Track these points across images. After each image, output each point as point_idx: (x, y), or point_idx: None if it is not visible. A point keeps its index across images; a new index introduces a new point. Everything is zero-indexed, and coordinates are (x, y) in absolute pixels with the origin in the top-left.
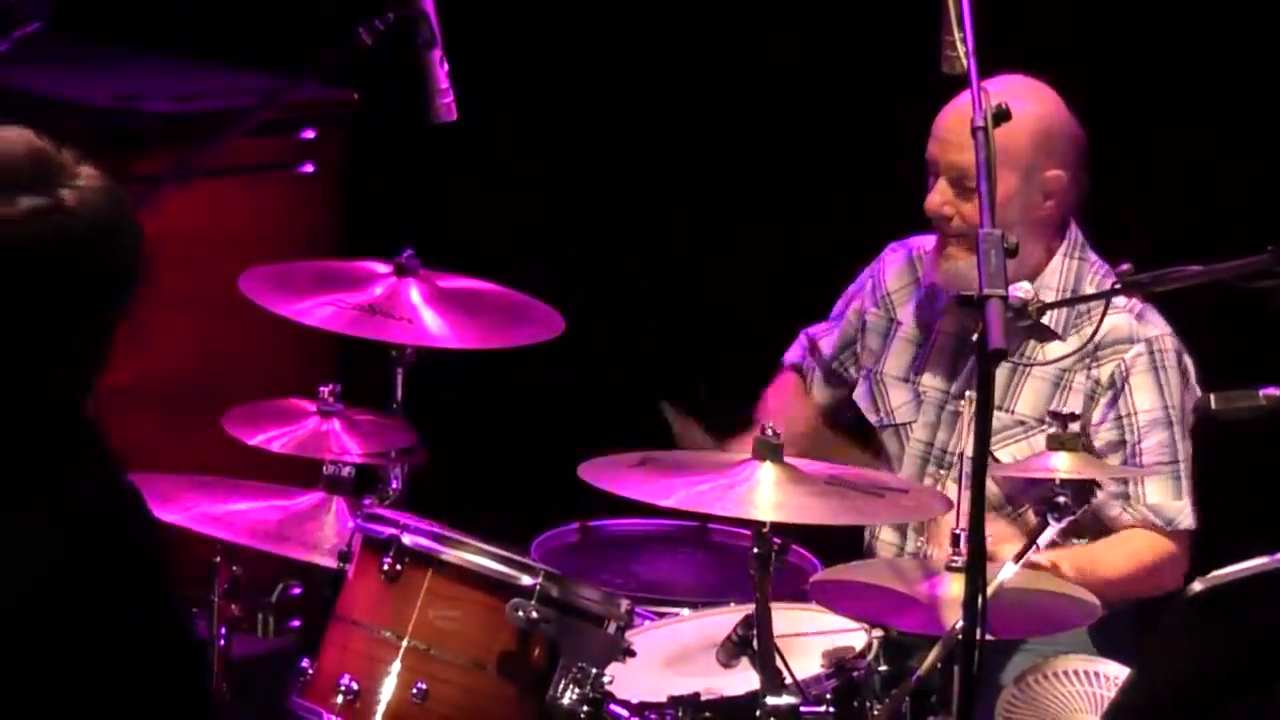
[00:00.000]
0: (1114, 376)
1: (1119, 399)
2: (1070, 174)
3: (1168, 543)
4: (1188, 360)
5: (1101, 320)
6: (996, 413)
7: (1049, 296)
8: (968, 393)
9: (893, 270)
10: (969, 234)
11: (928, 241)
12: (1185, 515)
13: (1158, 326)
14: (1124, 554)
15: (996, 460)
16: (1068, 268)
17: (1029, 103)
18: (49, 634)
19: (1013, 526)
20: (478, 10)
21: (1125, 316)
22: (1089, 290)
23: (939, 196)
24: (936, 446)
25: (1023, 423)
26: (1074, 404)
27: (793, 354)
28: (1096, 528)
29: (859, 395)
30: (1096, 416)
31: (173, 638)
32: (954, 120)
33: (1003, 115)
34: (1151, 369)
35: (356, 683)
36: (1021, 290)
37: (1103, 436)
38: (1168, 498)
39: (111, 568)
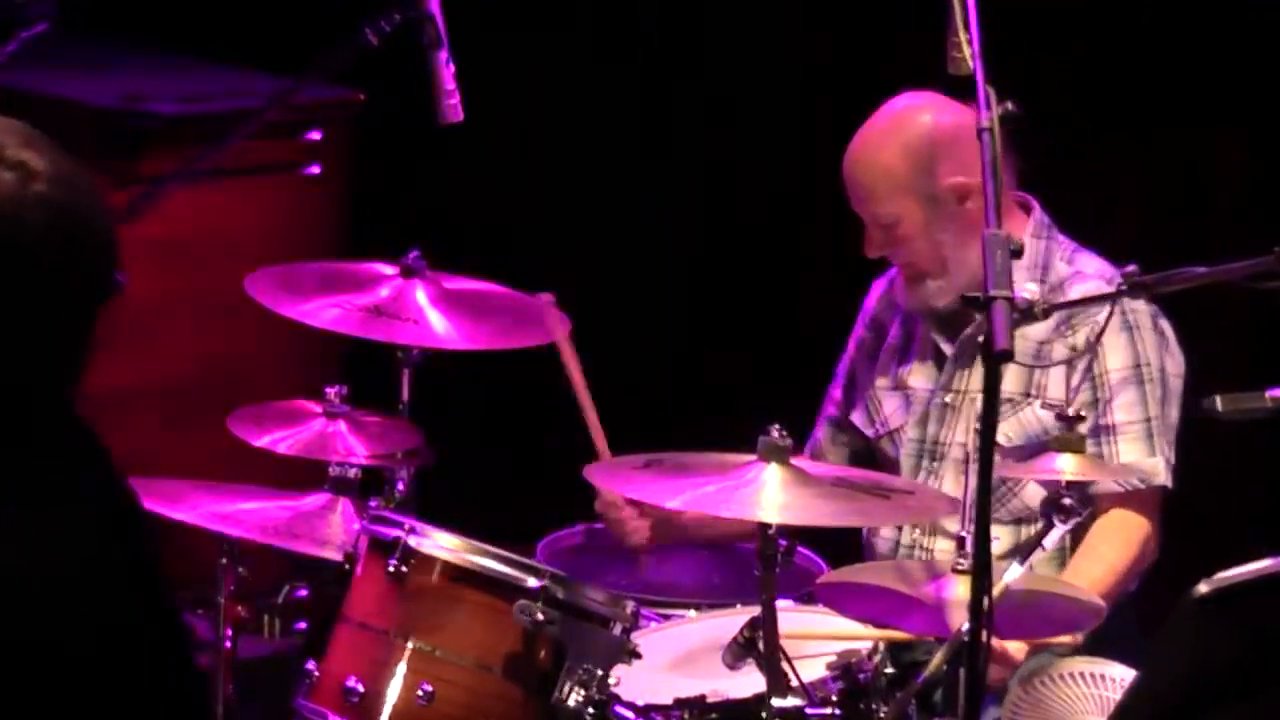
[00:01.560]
0: (1088, 338)
1: (1094, 360)
2: (970, 174)
3: (1133, 530)
4: (1164, 323)
5: (1071, 284)
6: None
7: (1021, 278)
8: (945, 378)
9: (877, 295)
10: (912, 263)
11: None
12: (1159, 472)
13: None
14: (1097, 572)
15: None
16: (1036, 248)
17: (883, 137)
18: (41, 627)
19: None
20: (484, 11)
21: (1096, 282)
22: (1059, 266)
23: (871, 246)
24: (928, 441)
25: (1010, 400)
26: (1055, 373)
27: (812, 437)
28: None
29: (855, 415)
30: (1075, 380)
31: (166, 633)
32: (851, 168)
33: (1010, 118)
34: (1124, 328)
35: (362, 685)
36: (1027, 291)
37: (1080, 399)
38: (1140, 455)
39: (105, 562)
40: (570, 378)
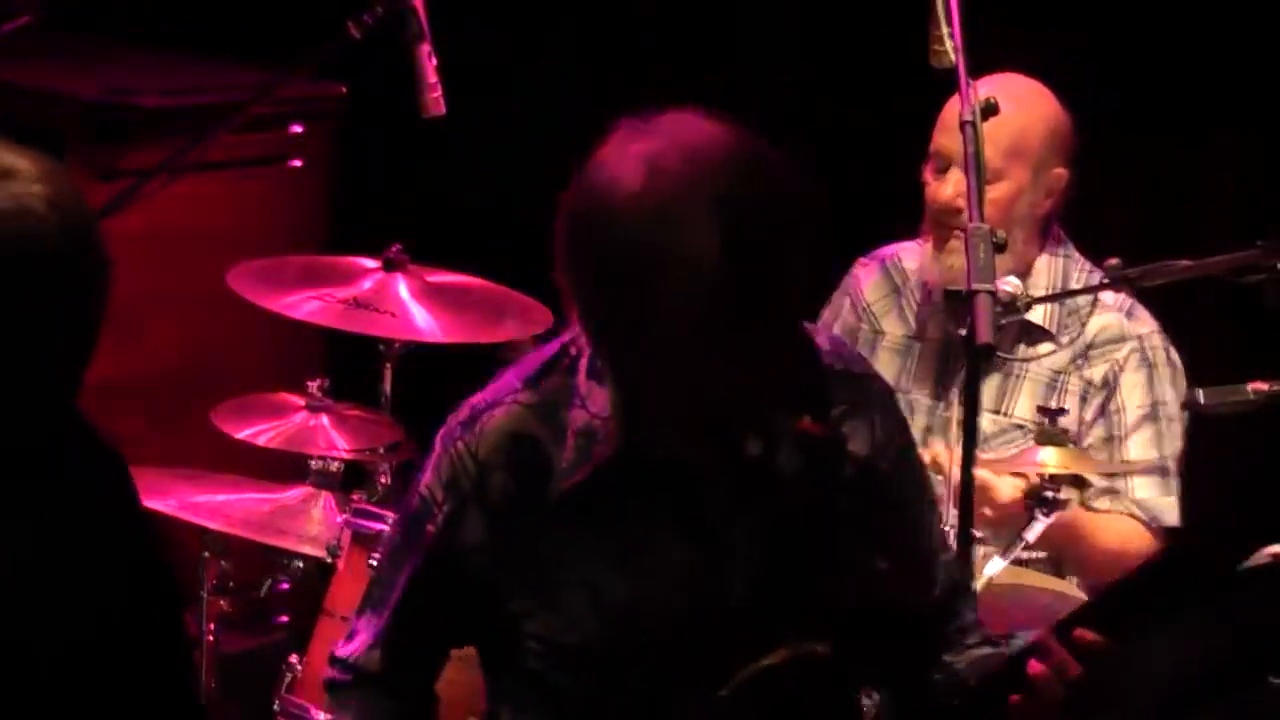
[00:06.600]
0: (1107, 376)
1: (1111, 397)
2: (1070, 173)
3: (1150, 537)
4: (1175, 356)
5: (1090, 315)
6: (994, 417)
7: (1040, 294)
8: (953, 393)
9: (869, 283)
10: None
11: (900, 249)
12: (1172, 512)
13: (1147, 324)
14: (1118, 533)
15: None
16: (1055, 266)
17: (1038, 100)
18: (44, 610)
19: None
20: (466, 3)
21: (1115, 315)
22: (1077, 288)
23: (952, 188)
24: (928, 458)
25: (1020, 426)
26: (1069, 405)
27: None
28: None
29: None
30: (1089, 415)
31: (164, 617)
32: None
33: (990, 110)
34: (1143, 366)
35: None
36: (1009, 285)
37: (1094, 434)
38: (1155, 493)
39: (105, 553)
40: None
